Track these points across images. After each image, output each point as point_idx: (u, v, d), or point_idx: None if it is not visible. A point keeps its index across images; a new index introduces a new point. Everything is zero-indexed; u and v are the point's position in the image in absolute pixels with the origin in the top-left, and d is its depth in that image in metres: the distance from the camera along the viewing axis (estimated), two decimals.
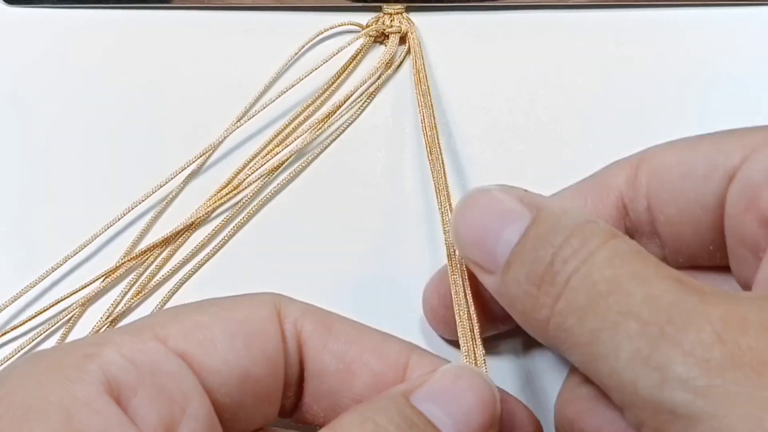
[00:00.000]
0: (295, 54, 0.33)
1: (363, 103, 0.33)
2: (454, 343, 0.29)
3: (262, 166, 0.31)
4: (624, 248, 0.21)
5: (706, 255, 0.25)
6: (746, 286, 0.23)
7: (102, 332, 0.21)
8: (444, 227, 0.27)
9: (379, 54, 0.33)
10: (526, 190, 0.24)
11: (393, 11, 0.33)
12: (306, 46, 0.33)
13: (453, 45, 0.33)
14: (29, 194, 0.32)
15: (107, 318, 0.30)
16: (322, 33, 0.33)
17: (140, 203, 0.31)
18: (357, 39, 0.32)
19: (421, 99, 0.31)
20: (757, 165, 0.22)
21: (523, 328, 0.23)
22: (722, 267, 0.25)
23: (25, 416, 0.18)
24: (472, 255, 0.24)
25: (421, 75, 0.32)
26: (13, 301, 0.30)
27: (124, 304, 0.30)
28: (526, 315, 0.22)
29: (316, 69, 0.32)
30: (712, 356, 0.18)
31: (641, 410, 0.19)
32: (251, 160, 0.32)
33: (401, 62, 0.33)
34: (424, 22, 0.33)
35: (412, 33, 0.33)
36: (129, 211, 0.31)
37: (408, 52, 0.33)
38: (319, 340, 0.24)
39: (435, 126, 0.30)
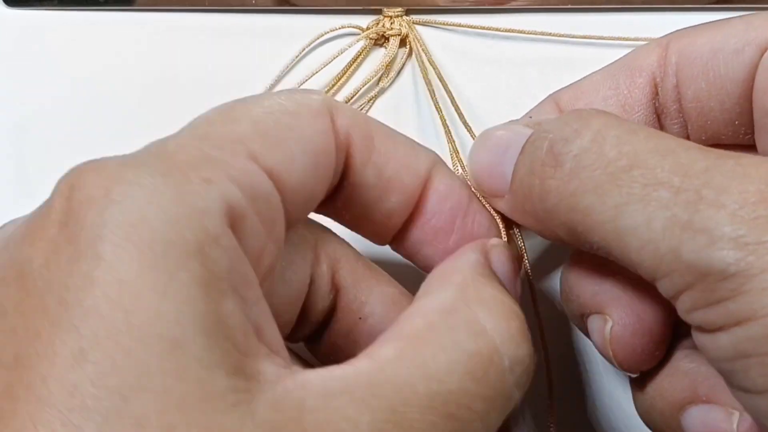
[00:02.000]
0: (296, 57, 0.33)
1: (363, 106, 0.32)
2: None
3: None
4: (635, 127, 0.22)
5: (731, 131, 0.25)
6: None
7: (192, 142, 0.19)
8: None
9: (379, 57, 0.33)
10: (531, 116, 0.25)
11: (393, 14, 0.33)
12: (306, 49, 0.33)
13: (453, 47, 0.33)
14: (24, 195, 0.32)
15: None
16: (322, 36, 0.33)
17: None
18: (357, 42, 0.32)
19: (433, 93, 0.31)
20: None
21: (541, 236, 0.24)
22: (744, 145, 0.25)
23: (165, 254, 0.17)
24: (486, 185, 0.25)
25: (425, 72, 0.32)
26: None
27: None
28: (535, 210, 0.22)
29: (316, 72, 0.32)
30: (759, 214, 0.19)
31: (684, 276, 0.19)
32: None
33: (402, 65, 0.33)
34: (423, 24, 0.33)
35: (412, 35, 0.32)
36: None
37: (409, 54, 0.33)
38: (364, 154, 0.23)
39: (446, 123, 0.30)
